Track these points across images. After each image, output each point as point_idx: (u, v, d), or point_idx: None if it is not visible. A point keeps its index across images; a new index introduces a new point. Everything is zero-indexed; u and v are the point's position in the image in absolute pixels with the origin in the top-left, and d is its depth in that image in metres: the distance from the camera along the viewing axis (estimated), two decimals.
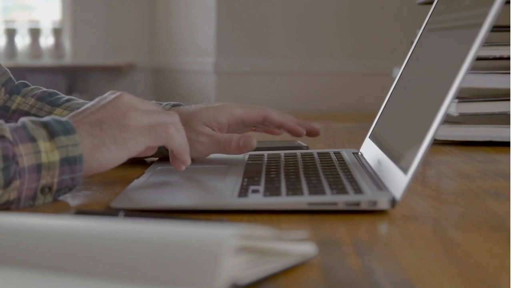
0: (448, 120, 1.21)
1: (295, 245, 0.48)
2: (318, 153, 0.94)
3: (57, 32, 3.36)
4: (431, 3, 1.40)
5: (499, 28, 1.18)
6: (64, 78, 3.28)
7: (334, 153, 0.94)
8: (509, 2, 1.27)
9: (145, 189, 0.76)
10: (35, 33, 3.36)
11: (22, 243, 0.46)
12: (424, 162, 1.07)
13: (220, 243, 0.40)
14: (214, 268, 0.39)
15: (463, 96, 1.19)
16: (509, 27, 1.20)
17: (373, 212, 0.67)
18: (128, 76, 3.37)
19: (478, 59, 1.18)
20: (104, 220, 0.49)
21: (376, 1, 2.88)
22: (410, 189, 0.81)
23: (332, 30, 2.90)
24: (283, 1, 2.90)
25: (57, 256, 0.43)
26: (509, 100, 1.17)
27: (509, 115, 1.17)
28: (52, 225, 0.48)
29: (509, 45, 1.18)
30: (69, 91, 3.32)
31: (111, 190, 0.78)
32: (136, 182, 0.80)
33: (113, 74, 3.36)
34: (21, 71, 3.36)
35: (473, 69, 1.23)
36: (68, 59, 3.39)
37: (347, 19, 2.90)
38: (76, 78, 3.37)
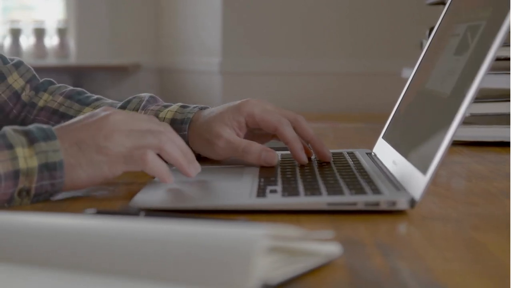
0: None
1: (322, 245, 0.48)
2: (332, 154, 0.94)
3: (61, 32, 3.36)
4: (442, 3, 1.40)
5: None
6: (69, 78, 3.29)
7: (348, 153, 0.94)
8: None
9: (163, 189, 0.76)
10: (39, 33, 3.37)
11: (49, 243, 0.46)
12: None
13: (252, 243, 0.40)
14: (247, 268, 0.39)
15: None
16: None
17: (391, 213, 0.67)
18: (133, 76, 3.38)
19: None
20: (129, 220, 0.49)
21: (379, 1, 2.89)
22: (428, 190, 0.81)
23: (337, 30, 2.90)
24: (288, 2, 2.90)
25: (85, 257, 0.44)
26: None
27: None
28: (78, 225, 0.48)
29: None
30: None
31: (128, 190, 0.78)
32: (153, 181, 0.79)
33: (118, 74, 3.36)
34: None
35: None
36: (73, 59, 3.39)
37: (351, 19, 2.90)
38: (81, 78, 3.37)
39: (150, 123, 0.75)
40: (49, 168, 0.70)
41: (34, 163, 0.69)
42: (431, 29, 1.32)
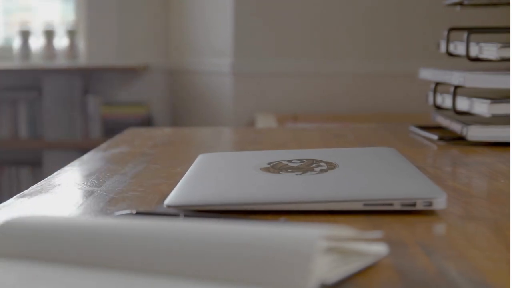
0: (480, 120, 1.21)
1: (371, 246, 0.49)
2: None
3: (71, 34, 3.37)
4: (460, 4, 1.40)
5: None
6: (79, 79, 3.29)
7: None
8: (509, 3, 1.27)
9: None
10: (49, 34, 3.37)
11: (104, 245, 0.46)
12: (462, 163, 1.07)
13: (311, 244, 0.40)
14: (307, 269, 0.39)
15: (495, 97, 1.19)
16: None
17: (426, 213, 0.67)
18: (143, 78, 3.38)
19: (508, 60, 1.18)
20: (181, 221, 0.49)
21: (394, 2, 2.89)
22: (458, 190, 0.81)
23: (350, 31, 2.90)
24: (301, 2, 2.90)
25: (142, 259, 0.44)
26: None
27: None
28: (127, 227, 0.48)
29: None
30: (84, 92, 3.32)
31: (158, 190, 0.78)
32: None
33: (128, 75, 3.37)
34: (35, 73, 3.37)
35: (504, 69, 1.23)
36: (82, 61, 3.40)
37: (365, 19, 2.90)
38: (90, 80, 3.37)
39: None
40: None
41: None
42: (449, 30, 1.32)
